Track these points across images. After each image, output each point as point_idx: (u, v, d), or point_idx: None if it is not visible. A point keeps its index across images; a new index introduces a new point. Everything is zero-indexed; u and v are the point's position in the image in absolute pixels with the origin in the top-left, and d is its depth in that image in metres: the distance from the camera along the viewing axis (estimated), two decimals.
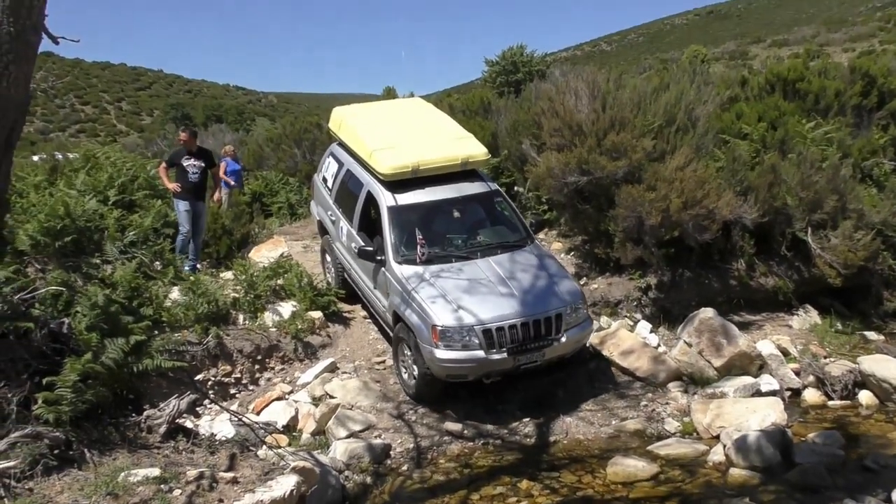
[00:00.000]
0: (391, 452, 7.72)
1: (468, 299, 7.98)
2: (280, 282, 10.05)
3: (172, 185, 10.45)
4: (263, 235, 13.08)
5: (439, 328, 7.73)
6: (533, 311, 7.94)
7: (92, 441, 4.18)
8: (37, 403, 4.07)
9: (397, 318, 8.45)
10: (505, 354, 7.79)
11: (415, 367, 8.22)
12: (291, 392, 8.76)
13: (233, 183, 15.14)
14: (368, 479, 7.20)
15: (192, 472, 3.95)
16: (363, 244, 9.04)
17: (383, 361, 9.32)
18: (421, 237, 8.63)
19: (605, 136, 10.24)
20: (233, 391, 8.88)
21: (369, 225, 9.52)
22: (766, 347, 9.30)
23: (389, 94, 34.80)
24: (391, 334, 8.91)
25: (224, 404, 7.51)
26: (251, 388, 8.92)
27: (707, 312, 9.22)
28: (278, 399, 8.62)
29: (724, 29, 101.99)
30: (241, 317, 9.41)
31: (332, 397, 8.50)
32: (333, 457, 7.39)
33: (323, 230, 11.01)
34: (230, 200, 14.55)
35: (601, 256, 10.82)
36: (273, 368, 9.19)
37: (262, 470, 4.58)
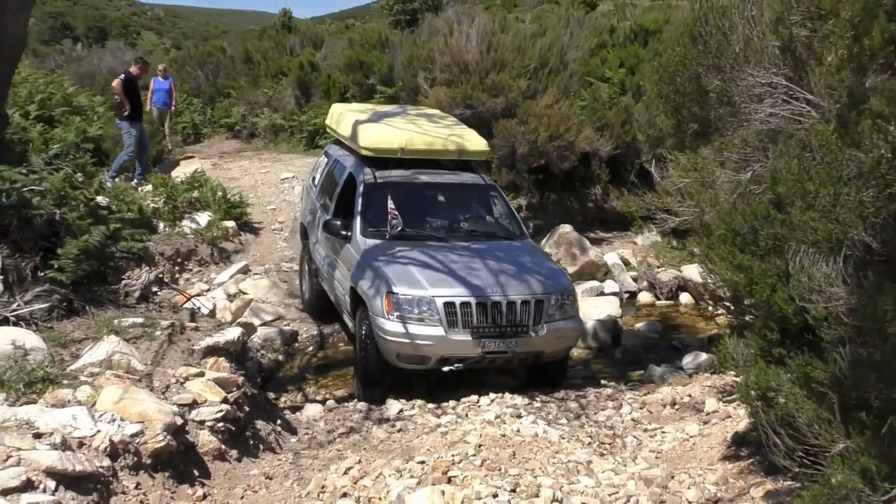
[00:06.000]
0: (298, 338, 9.20)
1: (434, 273, 6.81)
2: (196, 194, 11.23)
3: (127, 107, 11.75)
4: (177, 154, 14.05)
5: (394, 294, 6.50)
6: (507, 291, 6.66)
7: (87, 300, 5.52)
8: (44, 271, 5.35)
9: (356, 298, 7.15)
10: (469, 336, 6.52)
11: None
12: (209, 290, 10.06)
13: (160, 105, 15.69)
14: (280, 357, 8.68)
15: (164, 322, 5.34)
16: (329, 218, 8.07)
17: (290, 265, 10.73)
18: (393, 207, 7.63)
19: (487, 76, 11.80)
20: (154, 289, 10.10)
21: (346, 209, 8.24)
22: (611, 258, 11.30)
23: (285, 15, 35.19)
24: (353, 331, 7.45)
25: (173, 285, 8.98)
26: (171, 286, 10.18)
27: (565, 228, 11.08)
28: (197, 296, 9.92)
29: None
30: (161, 224, 10.57)
31: (245, 294, 9.88)
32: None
33: (305, 235, 9.88)
34: (169, 122, 15.29)
35: None
36: (191, 270, 10.44)
37: (215, 324, 6.05)
